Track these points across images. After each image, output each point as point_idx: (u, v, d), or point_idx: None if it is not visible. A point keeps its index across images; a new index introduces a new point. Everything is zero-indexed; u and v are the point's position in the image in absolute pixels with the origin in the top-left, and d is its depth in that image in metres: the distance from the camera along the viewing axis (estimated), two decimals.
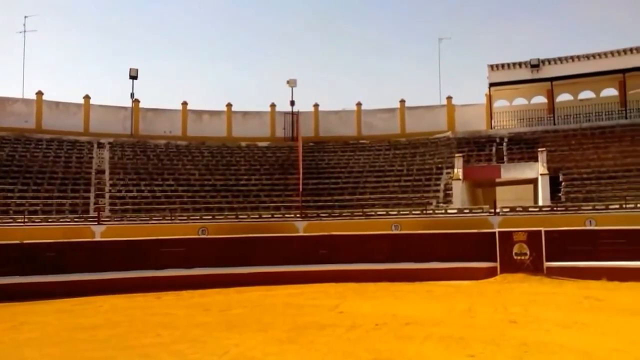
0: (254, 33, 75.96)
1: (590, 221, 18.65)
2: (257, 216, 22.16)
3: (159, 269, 16.74)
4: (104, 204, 23.91)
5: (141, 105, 31.23)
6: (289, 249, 17.69)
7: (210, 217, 22.00)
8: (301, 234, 20.22)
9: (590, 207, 19.71)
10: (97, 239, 19.37)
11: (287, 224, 21.11)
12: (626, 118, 27.65)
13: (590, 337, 8.31)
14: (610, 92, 29.21)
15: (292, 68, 75.26)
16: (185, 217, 21.88)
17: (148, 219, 21.74)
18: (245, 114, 32.38)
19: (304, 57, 73.77)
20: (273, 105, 32.30)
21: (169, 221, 21.35)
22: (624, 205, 19.33)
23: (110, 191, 25.00)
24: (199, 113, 31.99)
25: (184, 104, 31.66)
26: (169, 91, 66.40)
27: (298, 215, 21.95)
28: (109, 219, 21.50)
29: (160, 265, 16.80)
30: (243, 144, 30.56)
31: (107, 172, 26.34)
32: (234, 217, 21.91)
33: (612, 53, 28.25)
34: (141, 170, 26.87)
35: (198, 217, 21.89)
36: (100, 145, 28.31)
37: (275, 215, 22.40)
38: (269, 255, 17.39)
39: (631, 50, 27.91)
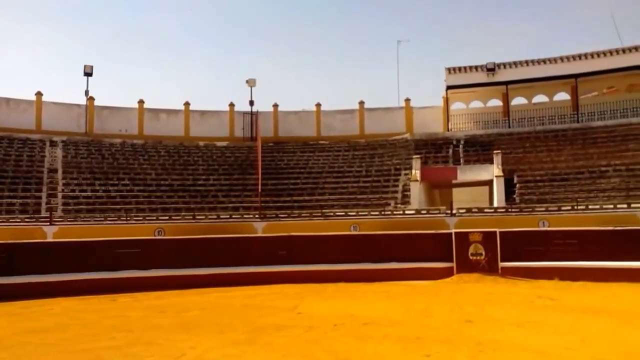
0: (214, 31, 75.24)
1: (543, 222, 19.16)
2: (215, 217, 21.90)
3: (114, 271, 16.29)
4: (57, 204, 23.22)
5: (96, 103, 30.50)
6: (248, 249, 17.50)
7: (167, 217, 21.65)
8: (260, 234, 20.08)
9: (543, 209, 20.26)
10: (49, 240, 18.76)
11: (246, 225, 20.94)
12: (578, 122, 28.57)
13: (542, 336, 8.50)
14: (563, 96, 30.17)
15: (251, 68, 74.86)
16: (141, 218, 21.46)
17: (103, 219, 21.25)
18: (203, 113, 32.01)
19: (263, 57, 73.49)
20: (232, 105, 32.04)
21: (125, 222, 20.89)
22: (575, 207, 19.93)
23: (63, 191, 24.29)
24: (156, 112, 31.44)
25: (141, 102, 31.07)
26: (126, 89, 65.13)
27: (257, 216, 21.80)
28: (61, 220, 20.90)
29: (115, 267, 16.35)
30: (201, 143, 30.20)
31: (59, 171, 25.58)
32: (191, 217, 21.60)
33: (564, 58, 29.15)
34: (96, 170, 26.21)
35: (154, 218, 21.49)
36: (53, 144, 27.49)
37: (234, 216, 22.19)
38: (227, 256, 17.14)
39: (584, 55, 28.86)
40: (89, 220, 21.05)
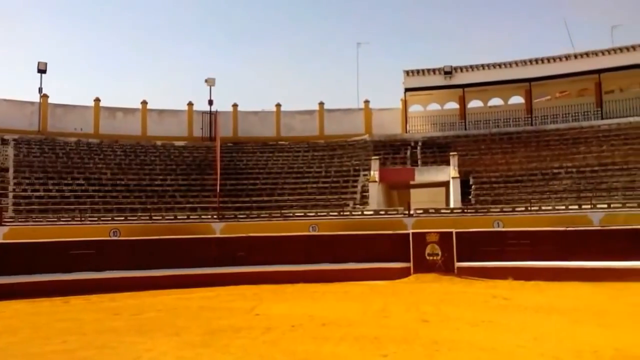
0: (172, 29, 74.17)
1: (497, 223, 19.59)
2: (172, 217, 21.57)
3: (67, 273, 15.82)
4: (7, 204, 22.41)
5: (50, 100, 29.61)
6: (206, 250, 17.28)
7: (122, 218, 21.21)
8: (218, 235, 19.87)
9: (498, 210, 20.71)
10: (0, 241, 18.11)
11: (204, 225, 20.70)
12: (532, 125, 29.34)
13: (496, 335, 8.67)
14: (517, 99, 30.95)
15: (211, 67, 74.12)
16: (95, 218, 20.97)
17: (56, 219, 20.67)
18: (161, 112, 31.49)
19: (223, 57, 72.88)
20: (190, 104, 31.62)
21: (79, 222, 20.38)
22: (529, 208, 20.46)
23: (14, 190, 23.50)
24: (112, 110, 30.75)
25: (97, 100, 30.34)
26: (81, 87, 63.53)
27: (215, 217, 21.57)
28: (12, 220, 20.22)
29: (68, 269, 15.89)
30: (158, 143, 29.70)
31: (11, 170, 24.74)
32: (147, 218, 21.22)
33: (519, 63, 29.92)
34: (49, 169, 25.46)
35: (110, 218, 21.02)
36: (4, 142, 26.58)
37: (192, 217, 21.90)
38: (184, 257, 16.88)
39: (538, 60, 29.68)
40: (41, 221, 20.42)
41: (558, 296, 13.13)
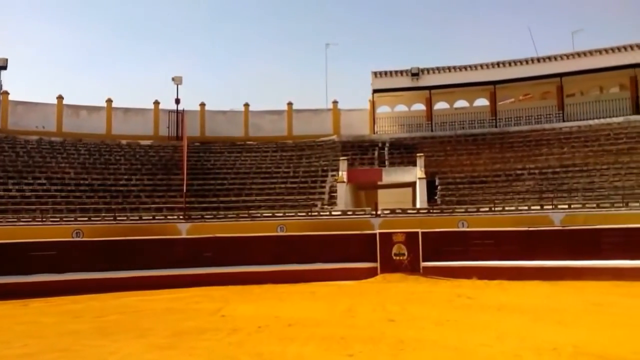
0: (139, 27, 73.07)
1: (462, 223, 19.89)
2: (137, 218, 21.22)
3: (27, 275, 15.45)
4: None
5: (10, 97, 28.79)
6: (171, 251, 17.10)
7: (85, 218, 20.77)
8: (184, 236, 19.66)
9: (463, 210, 21.02)
10: None
11: (170, 226, 20.45)
12: (496, 127, 29.87)
13: (460, 333, 8.81)
14: (483, 102, 31.45)
15: (178, 65, 73.26)
16: (58, 219, 20.49)
17: (16, 220, 20.12)
18: (126, 110, 30.92)
19: (190, 55, 72.12)
20: (157, 103, 31.14)
21: (40, 223, 19.86)
22: (492, 208, 20.82)
23: None
24: (75, 108, 30.05)
25: (60, 97, 29.64)
26: (43, 84, 62.03)
27: (181, 217, 21.33)
28: None
29: (28, 270, 15.51)
30: (124, 142, 29.20)
31: None
32: (112, 218, 20.84)
33: (484, 66, 30.43)
34: (9, 168, 24.76)
35: (72, 219, 20.56)
36: None
37: (157, 217, 21.59)
38: (149, 258, 16.67)
39: (502, 64, 30.25)
40: (0, 222, 19.84)
41: (520, 295, 13.44)
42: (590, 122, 27.87)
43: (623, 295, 12.93)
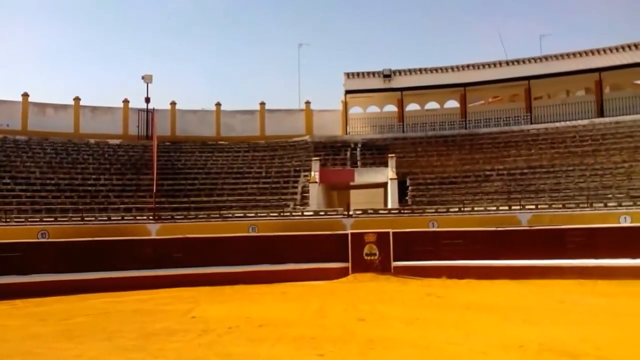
0: (108, 24, 71.94)
1: (432, 223, 20.09)
2: (105, 218, 20.87)
3: None
4: None
5: None
6: (141, 252, 16.88)
7: (52, 219, 20.33)
8: (154, 236, 19.42)
9: (433, 210, 21.24)
10: None
11: (139, 227, 20.15)
12: (466, 128, 30.27)
13: (429, 332, 8.91)
14: (453, 104, 31.84)
15: (148, 63, 72.32)
16: (22, 219, 20.01)
17: None
18: (94, 109, 30.37)
19: (161, 53, 71.31)
20: (126, 101, 30.69)
21: (4, 224, 19.37)
22: (462, 209, 21.10)
23: None
24: (42, 106, 29.40)
25: (25, 95, 28.97)
26: (9, 82, 60.58)
27: (151, 218, 21.06)
28: None
29: None
30: (92, 141, 28.68)
31: None
32: (79, 219, 20.44)
33: (454, 68, 30.82)
34: None
35: (38, 219, 20.11)
36: None
37: (126, 217, 21.25)
38: (118, 259, 16.44)
39: (472, 66, 30.66)
40: None
41: (488, 294, 13.65)
42: (557, 124, 28.45)
43: (586, 294, 13.27)
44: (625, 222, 18.60)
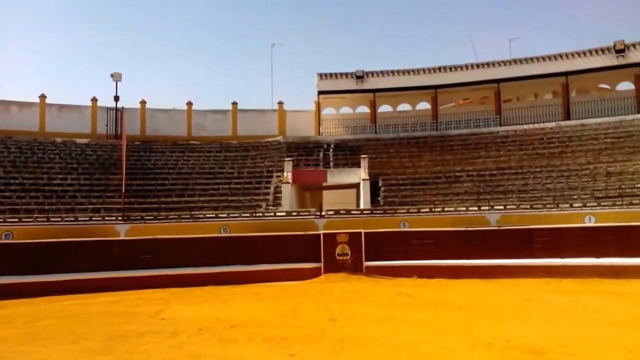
0: (76, 21, 70.66)
1: (404, 223, 20.26)
2: (72, 219, 20.47)
3: None
4: None
5: None
6: (109, 254, 16.60)
7: (16, 219, 19.89)
8: (123, 237, 19.13)
9: (404, 211, 21.42)
10: None
11: (108, 228, 19.84)
12: (437, 130, 30.59)
13: (399, 331, 8.98)
14: (425, 105, 32.13)
15: (117, 61, 71.21)
16: None
17: None
18: (61, 107, 29.73)
19: (131, 51, 70.33)
20: (95, 100, 30.12)
21: None
22: (433, 209, 21.33)
23: None
24: (5, 104, 28.65)
25: None
26: None
27: (120, 218, 20.73)
28: None
29: None
30: (58, 139, 28.07)
31: None
32: (44, 219, 20.02)
33: (426, 70, 31.14)
34: None
35: (1, 220, 19.62)
36: None
37: (94, 218, 20.91)
38: (85, 261, 16.12)
39: (443, 68, 31.02)
40: None
41: (457, 293, 13.82)
42: (525, 126, 28.97)
43: (552, 292, 13.55)
44: (590, 222, 19.07)
